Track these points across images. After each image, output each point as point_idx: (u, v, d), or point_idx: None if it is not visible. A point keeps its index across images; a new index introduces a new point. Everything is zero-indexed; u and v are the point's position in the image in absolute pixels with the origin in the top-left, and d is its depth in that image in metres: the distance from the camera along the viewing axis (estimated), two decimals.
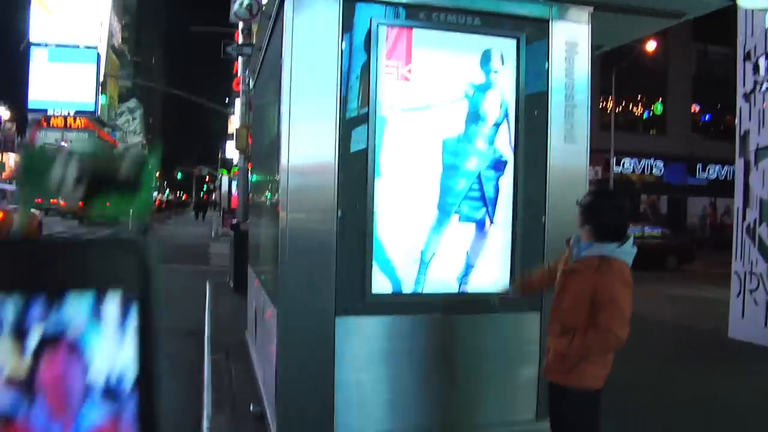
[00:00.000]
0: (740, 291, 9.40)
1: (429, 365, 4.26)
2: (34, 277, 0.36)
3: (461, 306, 4.31)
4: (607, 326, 2.98)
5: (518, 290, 4.02)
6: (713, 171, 33.57)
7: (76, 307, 0.35)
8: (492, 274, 4.35)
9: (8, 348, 0.34)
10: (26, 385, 0.35)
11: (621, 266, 3.08)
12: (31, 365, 0.35)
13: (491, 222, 4.33)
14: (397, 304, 4.20)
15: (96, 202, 0.41)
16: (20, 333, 0.35)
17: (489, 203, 4.31)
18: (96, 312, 0.34)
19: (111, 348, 0.34)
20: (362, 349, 4.11)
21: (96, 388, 0.34)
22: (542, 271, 3.76)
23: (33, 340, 0.35)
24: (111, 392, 0.34)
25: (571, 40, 4.43)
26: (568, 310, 3.17)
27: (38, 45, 71.68)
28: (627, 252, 3.12)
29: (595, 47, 4.78)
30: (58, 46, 70.81)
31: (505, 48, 4.32)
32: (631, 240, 3.14)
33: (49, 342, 0.35)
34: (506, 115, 4.33)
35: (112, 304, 0.34)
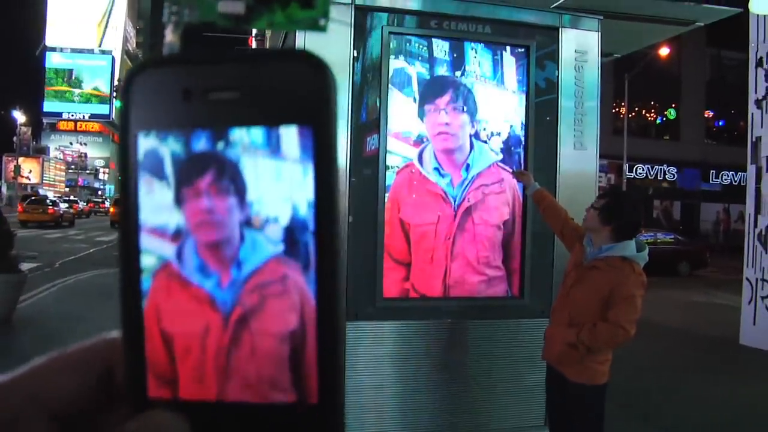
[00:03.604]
0: (752, 298, 9.36)
1: (439, 370, 4.29)
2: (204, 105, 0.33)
3: (472, 311, 4.34)
4: (617, 320, 3.08)
5: (522, 178, 4.05)
6: (727, 177, 33.34)
7: (244, 135, 0.33)
8: (502, 279, 4.37)
9: (165, 186, 0.33)
10: (183, 228, 0.34)
11: (641, 269, 3.19)
12: (187, 205, 0.33)
13: (502, 227, 4.35)
14: (407, 308, 4.24)
15: (267, 12, 0.41)
16: (183, 168, 0.34)
17: (499, 207, 4.34)
18: (265, 142, 0.32)
19: (284, 184, 0.33)
20: (373, 353, 4.15)
21: (261, 228, 0.33)
22: (560, 209, 3.79)
23: (194, 175, 0.34)
24: (282, 234, 0.33)
25: (581, 48, 4.46)
26: (580, 304, 3.24)
27: (54, 50, 72.34)
28: (644, 258, 3.22)
29: (605, 54, 4.80)
30: (73, 50, 71.54)
31: (515, 56, 4.36)
32: (647, 249, 3.26)
33: (211, 177, 0.33)
34: (519, 121, 4.37)
35: (286, 133, 0.32)
